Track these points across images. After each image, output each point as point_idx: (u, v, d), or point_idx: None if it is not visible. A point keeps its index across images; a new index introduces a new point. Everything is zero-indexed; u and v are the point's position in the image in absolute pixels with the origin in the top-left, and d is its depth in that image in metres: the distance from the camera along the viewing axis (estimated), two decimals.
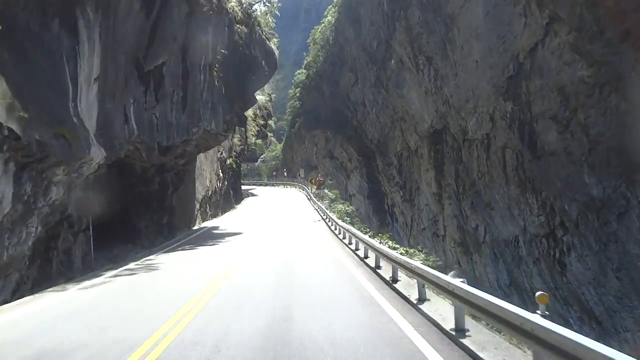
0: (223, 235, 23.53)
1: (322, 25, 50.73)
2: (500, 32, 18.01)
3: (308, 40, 55.91)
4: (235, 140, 42.63)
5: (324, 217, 29.60)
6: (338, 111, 42.39)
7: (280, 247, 18.34)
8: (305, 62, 57.67)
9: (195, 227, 28.47)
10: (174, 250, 18.54)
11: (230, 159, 41.39)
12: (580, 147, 13.26)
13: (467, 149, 22.08)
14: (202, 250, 18.17)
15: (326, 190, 40.96)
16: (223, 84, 24.03)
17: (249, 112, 45.53)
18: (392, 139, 33.96)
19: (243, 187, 56.50)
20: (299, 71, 60.17)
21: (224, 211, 37.53)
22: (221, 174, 36.46)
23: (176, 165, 23.38)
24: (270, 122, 59.11)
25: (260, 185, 68.55)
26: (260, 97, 50.79)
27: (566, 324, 12.83)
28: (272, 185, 68.22)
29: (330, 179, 44.17)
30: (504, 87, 18.13)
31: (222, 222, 31.88)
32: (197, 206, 29.71)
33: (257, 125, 50.23)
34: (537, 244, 15.31)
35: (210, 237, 23.36)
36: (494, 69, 18.82)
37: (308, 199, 44.88)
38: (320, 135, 46.53)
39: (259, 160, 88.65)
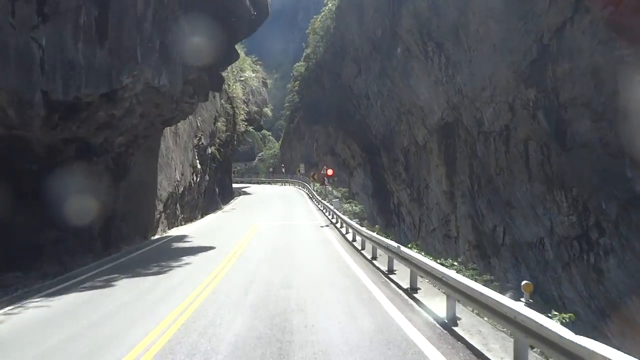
0: (184, 253, 15.70)
1: (322, 13, 49.50)
2: (522, 12, 16.77)
3: (307, 30, 54.67)
4: (220, 124, 33.95)
5: (334, 221, 23.56)
6: (340, 105, 41.17)
7: (271, 274, 11.38)
8: (305, 53, 56.41)
9: (156, 237, 20.33)
10: (72, 288, 10.58)
11: (213, 148, 32.80)
12: (619, 137, 12.03)
13: (482, 142, 20.87)
14: (119, 292, 10.16)
15: (329, 188, 35.86)
16: (183, 18, 15.31)
17: (238, 92, 39.28)
18: (398, 133, 32.77)
19: (236, 185, 53.45)
20: (298, 64, 58.92)
21: (204, 213, 30.68)
22: (199, 166, 28.75)
23: (110, 145, 14.82)
24: (266, 109, 53.00)
25: (256, 183, 65.64)
26: (249, 74, 44.08)
27: (604, 339, 11.62)
28: (269, 183, 64.28)
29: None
30: (525, 73, 16.90)
31: (196, 229, 23.62)
32: (160, 207, 21.81)
33: (248, 111, 42.70)
34: (567, 246, 14.09)
35: (164, 256, 15.06)
36: (514, 53, 17.58)
37: (310, 197, 40.35)
38: (321, 130, 45.31)
39: (256, 158, 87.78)
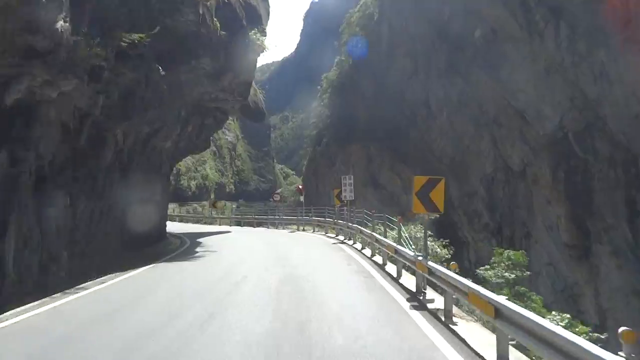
0: None
1: (361, 2, 44.51)
2: None
3: (341, 28, 49.75)
4: None
5: None
6: (385, 117, 35.37)
7: None
8: (337, 59, 51.42)
9: None
10: None
11: None
12: None
13: None
14: None
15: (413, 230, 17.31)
16: None
17: None
18: (476, 155, 26.75)
19: (226, 228, 34.59)
20: (327, 73, 53.73)
21: None
22: None
23: None
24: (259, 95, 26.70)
25: (250, 224, 38.53)
26: None
27: None
28: (272, 224, 34.20)
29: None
30: None
31: None
32: None
33: None
34: None
35: None
36: None
37: (422, 305, 8.27)
38: (359, 152, 39.13)
39: (274, 195, 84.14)
